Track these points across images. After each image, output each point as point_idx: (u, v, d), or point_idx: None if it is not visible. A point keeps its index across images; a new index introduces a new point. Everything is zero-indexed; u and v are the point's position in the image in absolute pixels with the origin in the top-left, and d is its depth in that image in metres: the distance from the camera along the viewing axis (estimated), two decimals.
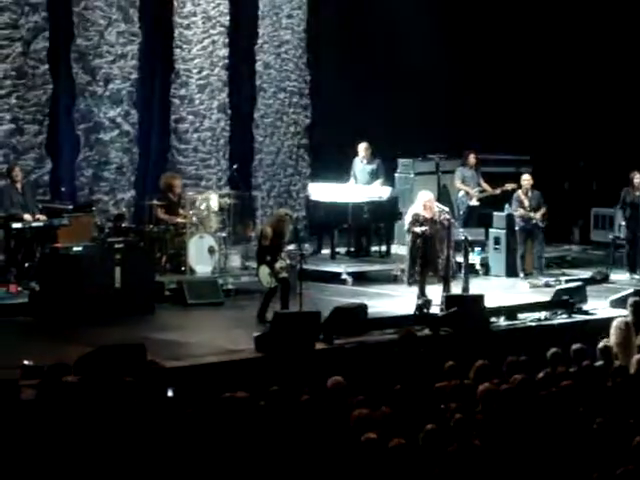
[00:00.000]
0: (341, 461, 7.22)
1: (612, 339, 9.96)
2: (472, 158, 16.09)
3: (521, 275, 14.99)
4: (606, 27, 17.25)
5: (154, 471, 7.36)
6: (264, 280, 12.47)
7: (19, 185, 13.61)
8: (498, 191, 15.91)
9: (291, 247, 13.32)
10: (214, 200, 14.48)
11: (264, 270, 12.46)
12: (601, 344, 9.79)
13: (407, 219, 13.11)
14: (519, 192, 15.22)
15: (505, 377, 8.82)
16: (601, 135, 17.38)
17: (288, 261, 12.58)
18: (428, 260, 12.93)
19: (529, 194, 15.14)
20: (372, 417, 7.71)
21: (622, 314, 11.95)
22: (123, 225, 14.29)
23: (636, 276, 15.06)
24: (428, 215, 12.97)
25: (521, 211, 15.04)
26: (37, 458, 7.59)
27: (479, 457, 7.29)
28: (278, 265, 12.41)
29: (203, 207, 14.27)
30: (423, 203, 13.06)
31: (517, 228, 15.13)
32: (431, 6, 17.62)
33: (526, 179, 15.26)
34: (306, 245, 14.78)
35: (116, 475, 7.39)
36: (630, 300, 11.20)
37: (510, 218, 15.33)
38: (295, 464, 7.28)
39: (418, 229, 12.90)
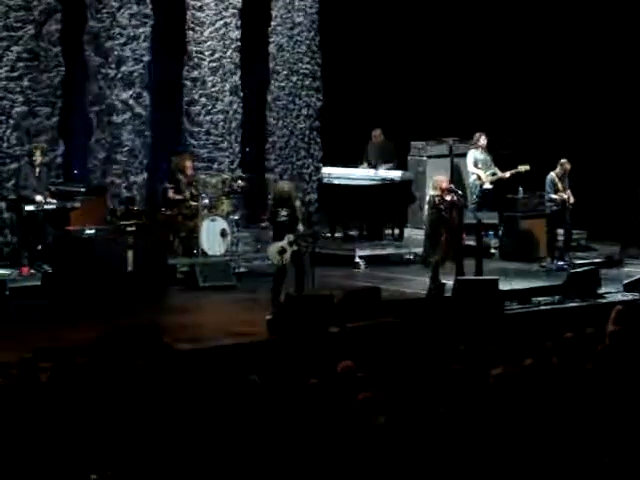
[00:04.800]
0: (351, 445, 7.20)
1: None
2: (483, 140, 15.98)
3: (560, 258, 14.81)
4: (603, 18, 17.15)
5: (166, 453, 7.36)
6: (273, 259, 12.40)
7: (37, 168, 13.63)
8: (508, 174, 15.81)
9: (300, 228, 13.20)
10: (214, 181, 14.52)
11: (273, 248, 12.35)
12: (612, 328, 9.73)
13: (427, 203, 13.07)
14: (553, 175, 14.97)
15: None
16: (616, 118, 17.30)
17: (301, 230, 12.34)
18: (445, 244, 12.93)
19: (563, 178, 14.95)
20: (381, 401, 7.69)
21: (635, 298, 11.93)
22: (135, 208, 14.29)
23: None
24: (448, 198, 12.96)
25: (558, 195, 14.82)
26: (50, 440, 7.59)
27: (491, 442, 7.27)
28: (286, 240, 12.22)
29: (200, 188, 14.29)
30: (441, 187, 13.02)
31: (548, 212, 14.96)
32: None
33: (566, 163, 14.99)
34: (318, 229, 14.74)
35: (130, 458, 7.39)
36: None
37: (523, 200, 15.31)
38: (305, 448, 7.27)
39: (443, 212, 12.87)
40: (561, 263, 14.65)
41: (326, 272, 13.41)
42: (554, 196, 14.90)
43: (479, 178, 15.97)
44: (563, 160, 15.02)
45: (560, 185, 14.92)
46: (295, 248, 12.30)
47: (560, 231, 15.07)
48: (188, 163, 14.68)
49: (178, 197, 14.35)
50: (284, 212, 12.36)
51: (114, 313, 11.61)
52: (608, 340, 9.42)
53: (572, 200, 14.89)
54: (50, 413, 7.99)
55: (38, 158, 13.61)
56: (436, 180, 13.34)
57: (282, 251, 12.28)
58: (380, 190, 15.51)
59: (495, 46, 17.70)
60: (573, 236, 15.46)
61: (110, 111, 15.17)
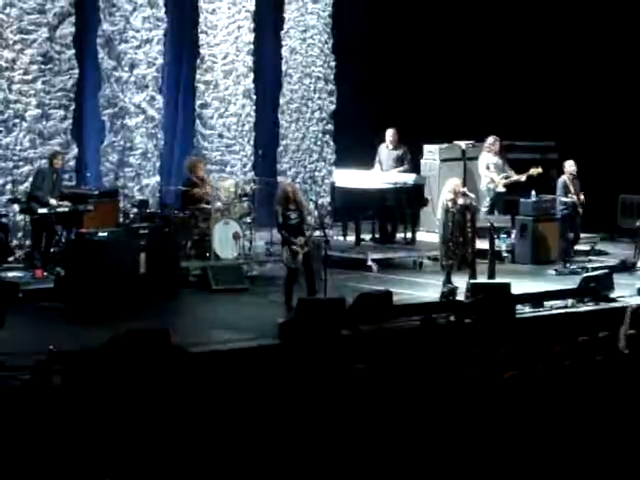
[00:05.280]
0: (363, 447, 7.19)
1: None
2: (496, 143, 15.94)
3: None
4: (620, 23, 17.14)
5: (177, 455, 7.36)
6: (286, 262, 12.41)
7: (54, 174, 13.71)
8: (523, 177, 15.79)
9: (316, 233, 13.24)
10: (226, 184, 14.55)
11: (286, 251, 12.39)
12: (630, 332, 9.71)
13: (440, 207, 13.07)
14: (565, 178, 15.06)
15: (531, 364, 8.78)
16: (630, 120, 17.24)
17: (308, 233, 12.40)
18: (458, 247, 12.93)
19: (574, 180, 15.05)
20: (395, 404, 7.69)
21: None
22: (148, 211, 14.30)
23: None
24: (462, 201, 12.97)
25: (569, 197, 14.88)
26: (62, 443, 7.60)
27: (507, 445, 7.25)
28: (298, 243, 12.25)
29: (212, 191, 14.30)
30: (455, 190, 13.03)
31: (559, 215, 15.00)
32: None
33: (572, 165, 15.09)
34: (330, 231, 14.74)
35: (140, 459, 7.40)
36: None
37: (536, 204, 15.27)
38: (317, 450, 7.26)
39: (457, 215, 12.88)
40: (574, 266, 14.63)
41: (338, 275, 13.40)
42: (565, 199, 14.93)
43: (492, 181, 15.94)
44: (569, 162, 15.08)
45: (572, 188, 14.95)
46: (307, 249, 12.33)
47: (570, 235, 15.09)
48: (200, 165, 14.69)
49: (200, 193, 14.24)
50: (294, 215, 12.41)
51: (126, 316, 11.61)
52: (627, 343, 9.39)
53: (582, 199, 14.94)
54: (62, 415, 8.00)
55: (59, 162, 13.73)
56: (450, 184, 13.33)
57: (295, 254, 12.31)
58: (393, 193, 15.49)
59: (508, 49, 17.67)
60: (591, 240, 15.50)
61: (123, 114, 15.19)
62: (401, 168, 15.93)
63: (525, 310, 12.46)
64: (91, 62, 15.13)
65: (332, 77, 16.99)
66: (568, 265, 14.68)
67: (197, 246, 14.22)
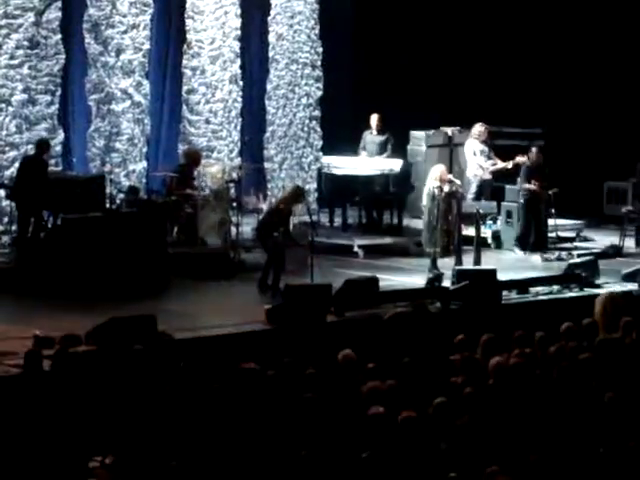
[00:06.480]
0: (350, 434, 7.23)
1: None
2: (483, 130, 15.96)
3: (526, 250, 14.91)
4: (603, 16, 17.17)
5: (164, 440, 7.38)
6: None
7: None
8: (510, 165, 15.82)
9: (304, 218, 13.26)
10: (213, 170, 14.55)
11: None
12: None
13: (426, 194, 13.10)
14: (529, 164, 15.08)
15: (514, 351, 8.82)
16: (616, 107, 17.29)
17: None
18: (444, 234, 12.97)
19: (538, 167, 15.08)
20: (381, 390, 7.72)
21: (634, 288, 11.97)
22: (135, 196, 14.27)
23: None
24: (446, 188, 13.01)
25: (532, 184, 14.94)
26: (50, 428, 7.62)
27: (488, 431, 7.29)
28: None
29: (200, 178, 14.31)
30: (440, 177, 13.05)
31: (522, 201, 15.03)
32: None
33: (536, 153, 15.16)
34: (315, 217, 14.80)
35: (128, 445, 7.42)
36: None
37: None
38: (304, 437, 7.29)
39: (442, 202, 12.95)
40: (561, 253, 14.68)
41: (325, 261, 13.41)
42: (528, 186, 14.95)
43: (480, 168, 15.96)
44: (534, 149, 15.14)
45: (535, 176, 14.99)
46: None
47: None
48: (199, 161, 14.66)
49: (184, 191, 14.21)
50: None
51: (113, 301, 11.60)
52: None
53: (552, 189, 14.98)
54: (50, 401, 8.02)
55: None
56: (435, 170, 13.35)
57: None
58: (379, 180, 15.51)
59: (496, 36, 17.69)
60: (575, 226, 15.58)
61: (109, 99, 15.17)
62: (383, 155, 15.93)
63: (511, 296, 12.50)
64: (77, 47, 15.10)
65: (319, 63, 16.98)
66: (527, 251, 14.71)
67: (184, 232, 14.20)
